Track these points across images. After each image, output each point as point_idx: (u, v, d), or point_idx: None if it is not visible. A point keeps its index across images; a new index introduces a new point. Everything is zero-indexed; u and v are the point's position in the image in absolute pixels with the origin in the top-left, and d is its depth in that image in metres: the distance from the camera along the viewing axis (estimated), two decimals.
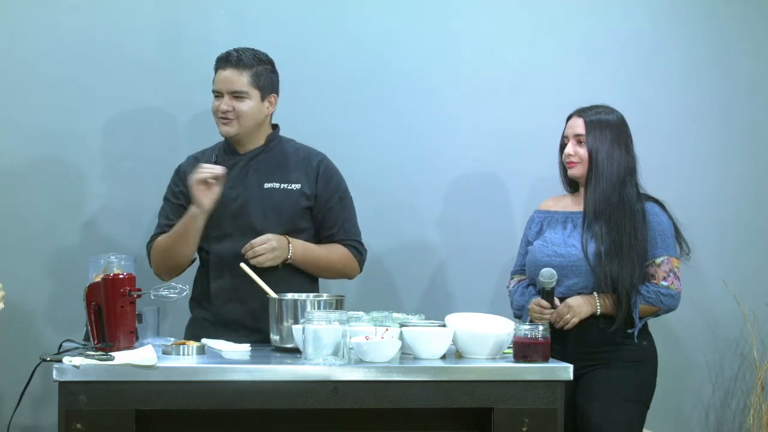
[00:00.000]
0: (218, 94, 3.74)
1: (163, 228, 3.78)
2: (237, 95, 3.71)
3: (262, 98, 3.74)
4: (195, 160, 3.82)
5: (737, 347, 4.59)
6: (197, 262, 3.82)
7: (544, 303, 3.67)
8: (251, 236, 3.68)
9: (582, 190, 3.84)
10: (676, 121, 4.54)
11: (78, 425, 3.01)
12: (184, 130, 4.27)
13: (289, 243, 3.68)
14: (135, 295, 3.21)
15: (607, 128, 3.77)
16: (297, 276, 3.73)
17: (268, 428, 3.24)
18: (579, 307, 3.67)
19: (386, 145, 4.27)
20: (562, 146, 3.84)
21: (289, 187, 3.76)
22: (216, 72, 3.75)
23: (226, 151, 3.81)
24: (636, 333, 3.68)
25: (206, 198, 3.61)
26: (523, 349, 3.21)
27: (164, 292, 3.31)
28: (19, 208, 4.18)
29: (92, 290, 3.22)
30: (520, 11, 4.47)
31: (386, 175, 4.08)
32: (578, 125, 3.78)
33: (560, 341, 3.59)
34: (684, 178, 4.50)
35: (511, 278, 3.97)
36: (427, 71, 4.42)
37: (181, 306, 3.84)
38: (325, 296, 3.48)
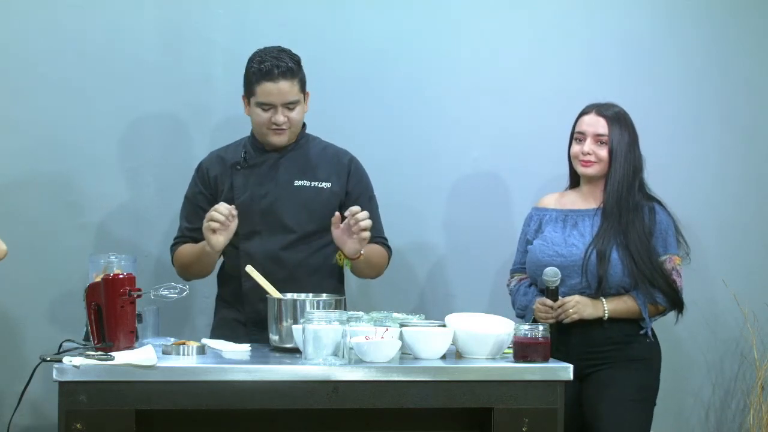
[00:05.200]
0: (269, 107, 3.66)
1: (183, 232, 3.78)
2: (291, 105, 3.68)
3: (304, 99, 3.74)
4: (219, 158, 3.79)
5: (737, 347, 4.58)
6: (221, 260, 3.80)
7: (549, 302, 3.66)
8: (281, 234, 3.68)
9: (583, 187, 3.83)
10: (676, 121, 4.53)
11: (78, 425, 3.01)
12: (184, 129, 4.26)
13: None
14: (135, 295, 3.21)
15: (626, 127, 3.75)
16: (331, 278, 3.77)
17: (268, 428, 3.24)
18: (584, 306, 3.65)
19: (386, 145, 4.26)
20: (571, 139, 3.81)
21: (319, 186, 3.75)
22: (260, 84, 3.63)
23: (255, 148, 3.77)
24: (648, 332, 3.69)
25: (217, 241, 3.55)
26: (523, 349, 3.21)
27: (164, 292, 3.30)
28: (19, 208, 4.18)
29: (92, 290, 3.21)
30: (520, 11, 4.47)
31: (386, 175, 4.07)
32: (600, 124, 3.73)
33: (564, 341, 3.59)
34: (684, 178, 4.50)
35: (512, 276, 3.96)
36: (426, 71, 4.41)
37: (181, 306, 3.84)
38: (324, 296, 3.48)
